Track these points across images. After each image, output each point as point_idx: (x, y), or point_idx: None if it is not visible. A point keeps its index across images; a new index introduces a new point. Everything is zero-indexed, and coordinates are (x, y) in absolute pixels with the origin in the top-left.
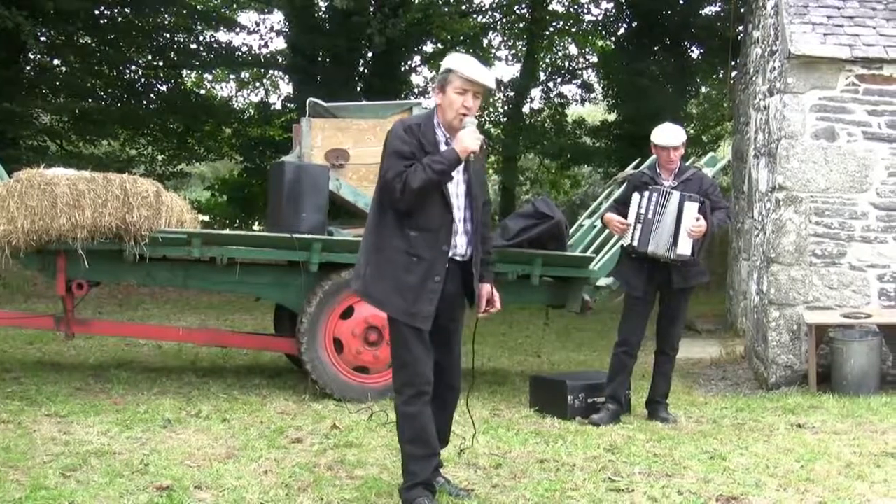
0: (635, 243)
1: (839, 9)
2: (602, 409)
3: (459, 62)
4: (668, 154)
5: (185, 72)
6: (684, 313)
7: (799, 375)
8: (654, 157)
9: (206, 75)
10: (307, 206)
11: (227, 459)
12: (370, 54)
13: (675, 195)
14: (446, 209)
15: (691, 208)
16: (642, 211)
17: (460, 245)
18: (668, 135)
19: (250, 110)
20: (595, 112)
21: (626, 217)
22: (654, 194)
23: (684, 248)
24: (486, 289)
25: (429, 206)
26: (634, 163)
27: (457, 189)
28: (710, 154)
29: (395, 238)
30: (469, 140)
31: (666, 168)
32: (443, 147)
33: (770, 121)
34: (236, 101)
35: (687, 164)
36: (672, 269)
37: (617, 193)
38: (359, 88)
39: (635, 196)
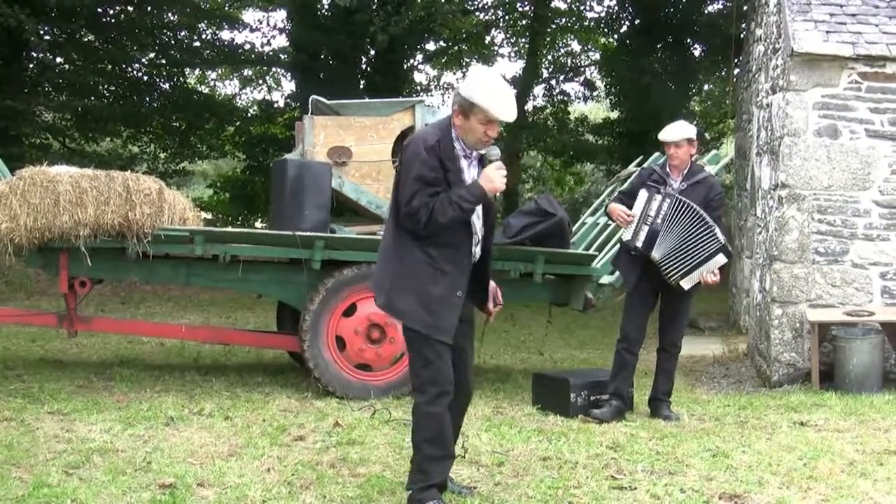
0: (639, 244)
1: (842, 6)
2: (605, 404)
3: (487, 99)
4: (669, 149)
5: (187, 70)
6: (686, 312)
7: (802, 373)
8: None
9: (208, 73)
10: (309, 203)
11: (229, 457)
12: (373, 52)
13: (718, 238)
14: (467, 227)
15: (720, 260)
16: (651, 214)
17: (475, 252)
18: (668, 130)
19: (253, 108)
20: (597, 109)
21: (630, 209)
22: (668, 201)
23: (689, 283)
24: (491, 286)
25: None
26: (637, 160)
27: None
28: (713, 152)
29: (417, 251)
30: (499, 180)
31: (674, 167)
32: (462, 161)
33: (773, 118)
34: (239, 98)
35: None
36: None
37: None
38: (361, 86)
39: (643, 193)
